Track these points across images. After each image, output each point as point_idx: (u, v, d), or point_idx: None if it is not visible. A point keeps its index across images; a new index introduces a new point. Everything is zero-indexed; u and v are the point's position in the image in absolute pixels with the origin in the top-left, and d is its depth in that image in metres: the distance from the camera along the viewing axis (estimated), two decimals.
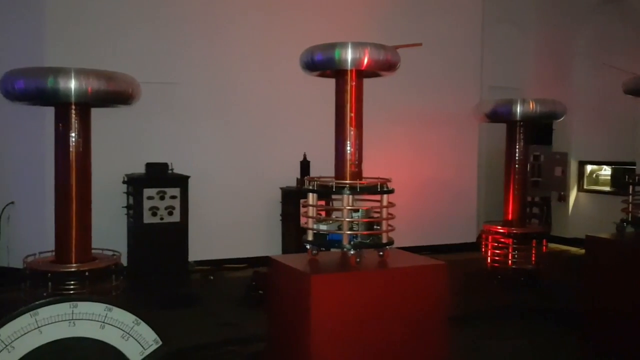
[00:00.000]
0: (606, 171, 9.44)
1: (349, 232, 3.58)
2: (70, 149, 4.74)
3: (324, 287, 3.27)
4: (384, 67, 3.86)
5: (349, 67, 3.78)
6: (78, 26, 6.90)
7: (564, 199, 9.52)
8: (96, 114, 5.05)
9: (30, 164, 6.83)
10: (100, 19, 7.00)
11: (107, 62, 5.44)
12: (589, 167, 9.60)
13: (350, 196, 3.63)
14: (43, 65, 4.77)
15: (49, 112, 4.90)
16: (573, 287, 5.53)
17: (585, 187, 9.59)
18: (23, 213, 6.94)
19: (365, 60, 3.74)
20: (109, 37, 7.01)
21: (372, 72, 3.93)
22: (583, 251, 5.30)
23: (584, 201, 9.55)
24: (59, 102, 4.66)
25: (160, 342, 2.30)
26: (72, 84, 4.39)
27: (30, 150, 6.83)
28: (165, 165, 6.75)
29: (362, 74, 3.89)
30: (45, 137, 5.13)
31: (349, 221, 3.59)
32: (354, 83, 3.84)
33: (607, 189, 9.27)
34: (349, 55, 3.72)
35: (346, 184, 3.72)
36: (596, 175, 9.57)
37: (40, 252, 4.99)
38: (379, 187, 3.70)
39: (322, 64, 3.84)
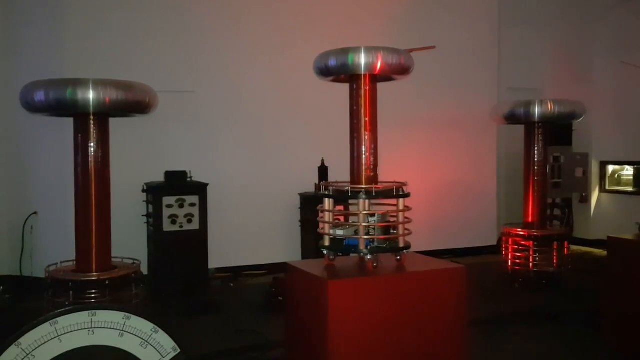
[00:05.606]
0: (628, 171, 9.29)
1: (365, 237, 3.57)
2: (90, 159, 4.81)
3: (341, 292, 3.26)
4: (398, 71, 3.86)
5: (362, 71, 3.77)
6: (95, 37, 6.99)
7: (585, 200, 9.39)
8: (115, 123, 5.13)
9: (52, 175, 6.92)
10: (117, 30, 7.09)
11: (125, 72, 5.51)
12: (610, 168, 9.46)
13: (366, 201, 3.62)
14: (62, 77, 4.83)
15: (70, 123, 4.98)
16: (596, 289, 5.46)
17: (607, 187, 9.45)
18: (46, 223, 7.03)
19: (379, 65, 3.74)
20: (126, 47, 7.09)
21: (386, 76, 3.93)
22: (606, 252, 5.22)
23: (606, 202, 9.41)
24: (78, 113, 4.75)
25: (179, 350, 2.31)
26: (91, 95, 4.46)
27: (52, 161, 6.93)
28: (184, 173, 6.80)
29: (376, 78, 3.88)
30: (67, 147, 5.19)
31: (365, 226, 3.58)
32: (367, 87, 3.83)
33: (630, 189, 9.13)
34: (362, 60, 3.72)
35: (362, 188, 3.70)
36: (618, 176, 9.43)
37: (62, 261, 5.07)
38: (394, 191, 3.69)
39: (335, 69, 3.85)
